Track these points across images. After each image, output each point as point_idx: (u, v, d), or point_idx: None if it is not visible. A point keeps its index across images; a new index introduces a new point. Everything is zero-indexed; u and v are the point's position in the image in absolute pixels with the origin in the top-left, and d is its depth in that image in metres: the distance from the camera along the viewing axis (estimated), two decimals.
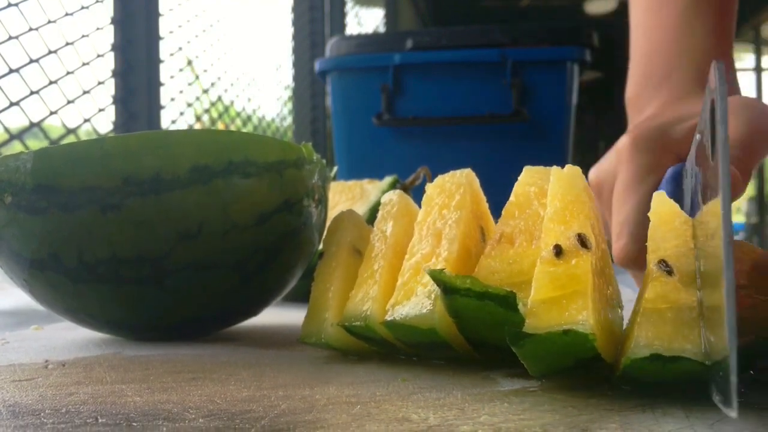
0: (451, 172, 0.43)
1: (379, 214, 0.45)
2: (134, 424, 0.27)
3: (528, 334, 0.31)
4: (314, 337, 0.42)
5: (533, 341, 0.31)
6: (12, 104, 0.88)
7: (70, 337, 0.52)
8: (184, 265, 0.45)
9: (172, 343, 0.48)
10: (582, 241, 0.34)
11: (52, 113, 0.96)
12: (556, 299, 0.32)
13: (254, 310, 0.52)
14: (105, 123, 1.12)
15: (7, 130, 0.90)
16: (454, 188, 0.42)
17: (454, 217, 0.40)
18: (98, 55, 1.08)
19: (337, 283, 0.43)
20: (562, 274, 0.33)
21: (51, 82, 0.95)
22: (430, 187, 0.43)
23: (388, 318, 0.38)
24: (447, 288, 0.35)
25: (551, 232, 0.35)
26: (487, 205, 0.43)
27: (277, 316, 0.62)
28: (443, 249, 0.39)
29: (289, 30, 2.07)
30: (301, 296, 0.52)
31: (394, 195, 0.45)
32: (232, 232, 0.45)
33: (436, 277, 0.35)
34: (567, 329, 0.30)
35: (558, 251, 0.33)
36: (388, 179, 0.76)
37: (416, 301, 0.38)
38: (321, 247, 0.47)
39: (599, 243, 0.36)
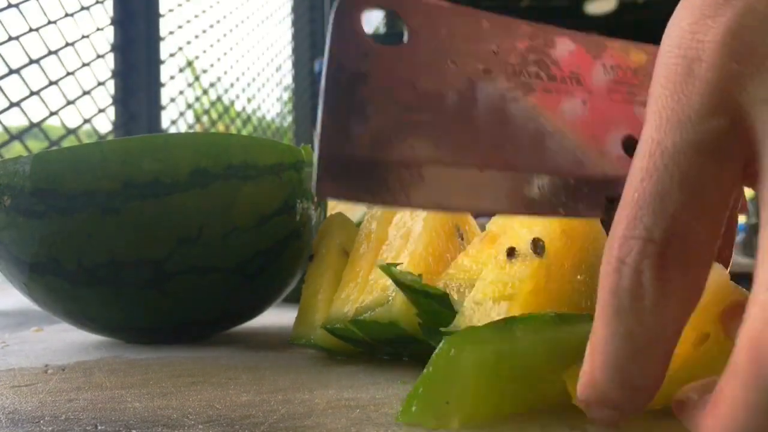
0: None
1: (365, 217, 0.45)
2: (133, 430, 0.27)
3: (441, 331, 0.32)
4: (304, 338, 0.43)
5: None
6: (12, 105, 0.88)
7: (69, 339, 0.52)
8: (184, 268, 0.45)
9: (171, 345, 0.48)
10: (535, 246, 0.33)
11: (52, 114, 0.96)
12: (487, 301, 0.32)
13: (254, 312, 0.52)
14: (105, 123, 1.12)
15: (7, 130, 0.90)
16: None
17: (422, 217, 0.41)
18: (98, 56, 1.08)
19: (326, 285, 0.44)
20: (505, 276, 0.33)
21: (51, 83, 0.95)
22: None
23: (356, 317, 0.39)
24: (395, 282, 0.36)
25: (514, 234, 0.35)
26: None
27: (277, 317, 0.62)
28: (410, 247, 0.40)
29: (289, 30, 2.07)
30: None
31: None
32: (231, 235, 0.45)
33: (385, 271, 0.36)
34: None
35: (510, 253, 0.34)
36: None
37: (376, 297, 0.38)
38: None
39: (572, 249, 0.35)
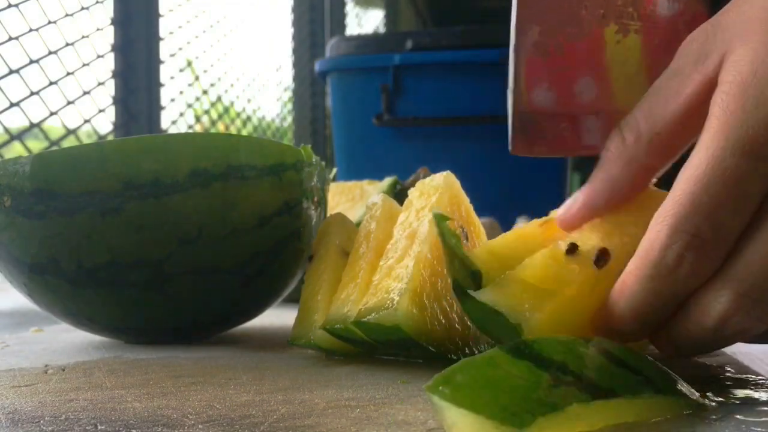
0: (431, 176, 0.43)
1: (364, 217, 0.45)
2: (133, 430, 0.27)
3: (469, 294, 0.32)
4: (303, 338, 0.43)
5: (471, 302, 0.32)
6: (12, 105, 0.88)
7: (69, 339, 0.52)
8: (184, 268, 0.45)
9: (171, 345, 0.48)
10: (600, 256, 0.32)
11: (52, 114, 0.96)
12: (527, 286, 0.31)
13: (254, 312, 0.52)
14: (105, 124, 1.12)
15: (7, 130, 0.90)
16: (432, 191, 0.42)
17: (428, 219, 0.40)
18: (98, 56, 1.08)
19: (326, 286, 0.44)
20: (555, 269, 0.32)
21: (51, 83, 0.95)
22: (411, 192, 0.44)
23: (358, 319, 0.38)
24: (441, 235, 0.35)
25: (583, 234, 0.33)
26: (470, 206, 0.44)
27: (277, 317, 0.62)
28: (415, 248, 0.39)
29: (289, 30, 2.07)
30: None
31: (378, 198, 0.46)
32: (231, 236, 0.45)
33: (438, 219, 0.35)
34: (498, 311, 0.31)
35: (571, 250, 0.32)
36: (388, 180, 0.75)
37: (381, 299, 0.38)
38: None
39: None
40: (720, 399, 0.30)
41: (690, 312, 0.30)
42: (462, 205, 0.43)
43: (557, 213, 0.35)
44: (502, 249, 0.35)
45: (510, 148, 0.37)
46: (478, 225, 0.44)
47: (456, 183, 0.43)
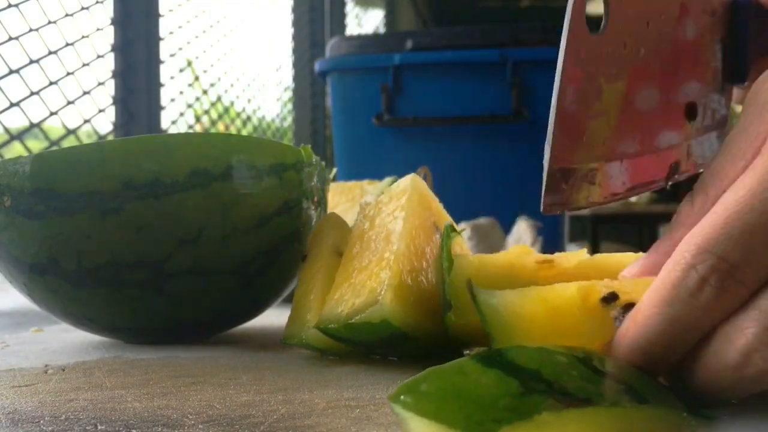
0: (398, 181, 0.45)
1: (358, 218, 0.45)
2: (133, 430, 0.27)
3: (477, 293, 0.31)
4: (295, 338, 0.43)
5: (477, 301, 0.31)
6: (12, 105, 0.88)
7: (69, 339, 0.52)
8: (184, 269, 0.45)
9: (171, 345, 0.48)
10: (623, 312, 0.29)
11: (52, 114, 0.96)
12: (537, 313, 0.30)
13: (254, 313, 0.52)
14: (105, 124, 1.12)
15: (7, 130, 0.90)
16: (401, 194, 0.43)
17: (401, 217, 0.41)
18: (98, 56, 1.08)
19: (319, 285, 0.44)
20: (578, 314, 0.29)
21: (51, 83, 0.95)
22: (383, 197, 0.44)
23: (347, 321, 0.39)
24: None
25: (635, 283, 0.31)
26: (440, 204, 0.45)
27: (277, 317, 0.62)
28: (393, 246, 0.40)
29: (289, 30, 2.07)
30: None
31: (372, 198, 0.47)
32: (231, 236, 0.45)
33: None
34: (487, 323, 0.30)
35: (609, 299, 0.30)
36: (387, 180, 0.75)
37: (365, 300, 0.38)
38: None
39: None
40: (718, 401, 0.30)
41: (710, 344, 0.27)
42: (432, 203, 0.44)
43: (621, 273, 0.32)
44: (494, 269, 0.36)
45: (541, 208, 0.33)
46: (449, 221, 0.44)
47: (423, 184, 0.44)
